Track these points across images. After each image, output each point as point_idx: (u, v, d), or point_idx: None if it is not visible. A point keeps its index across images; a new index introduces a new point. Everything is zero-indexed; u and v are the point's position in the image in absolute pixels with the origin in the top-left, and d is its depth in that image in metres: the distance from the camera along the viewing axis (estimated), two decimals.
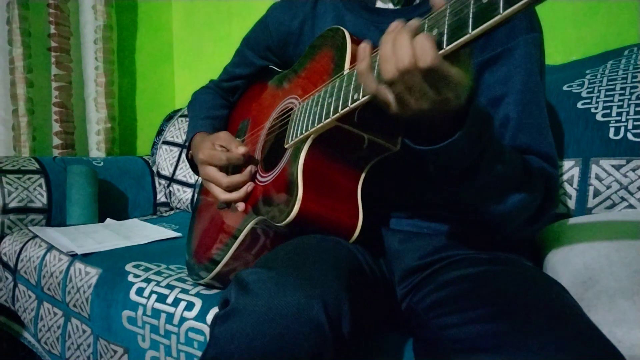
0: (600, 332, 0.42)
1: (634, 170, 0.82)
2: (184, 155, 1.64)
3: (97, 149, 1.79)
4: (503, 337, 0.41)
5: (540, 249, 0.74)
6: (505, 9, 0.34)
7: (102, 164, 1.59)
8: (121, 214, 1.57)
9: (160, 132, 1.81)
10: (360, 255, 0.62)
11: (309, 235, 0.59)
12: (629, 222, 0.69)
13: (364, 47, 0.49)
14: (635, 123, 0.83)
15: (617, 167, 0.83)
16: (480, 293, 0.50)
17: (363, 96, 0.51)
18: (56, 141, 1.69)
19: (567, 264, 0.63)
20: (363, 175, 0.64)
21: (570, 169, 0.89)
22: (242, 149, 0.74)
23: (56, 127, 1.68)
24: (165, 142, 1.74)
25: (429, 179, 0.57)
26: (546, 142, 0.64)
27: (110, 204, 1.53)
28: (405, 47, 0.41)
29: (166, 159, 1.71)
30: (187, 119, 1.00)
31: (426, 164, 0.53)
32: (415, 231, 0.69)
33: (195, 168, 0.89)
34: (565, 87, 0.96)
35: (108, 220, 1.43)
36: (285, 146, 0.67)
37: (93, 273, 0.93)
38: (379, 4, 0.73)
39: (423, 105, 0.44)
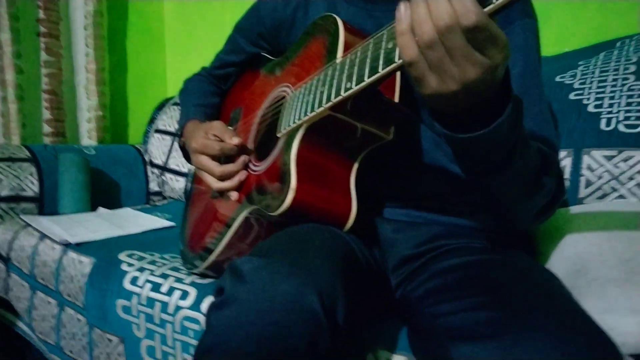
0: (592, 320, 0.42)
1: (625, 160, 0.83)
2: (176, 144, 1.63)
3: (88, 137, 1.77)
4: (497, 325, 0.41)
5: (533, 239, 0.74)
6: None
7: (93, 152, 1.58)
8: (113, 203, 1.56)
9: (152, 120, 1.79)
10: (354, 244, 0.62)
11: (303, 224, 0.59)
12: (620, 212, 0.70)
13: (405, 4, 0.41)
14: (627, 114, 0.84)
15: (609, 158, 0.84)
16: (474, 281, 0.50)
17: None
18: (47, 129, 1.66)
19: (559, 254, 0.64)
20: (356, 165, 0.64)
21: (562, 159, 0.89)
22: (235, 140, 0.74)
23: (46, 114, 1.66)
24: (158, 131, 1.73)
25: (451, 175, 0.55)
26: (549, 128, 0.62)
27: (103, 193, 1.52)
28: (442, 3, 0.37)
29: (158, 148, 1.70)
30: (179, 107, 1.00)
31: (465, 157, 0.49)
32: (409, 221, 0.69)
33: (187, 155, 0.88)
34: (557, 78, 0.96)
35: (100, 209, 1.42)
36: (278, 135, 0.67)
37: (87, 262, 0.93)
38: None
39: (469, 73, 0.39)
